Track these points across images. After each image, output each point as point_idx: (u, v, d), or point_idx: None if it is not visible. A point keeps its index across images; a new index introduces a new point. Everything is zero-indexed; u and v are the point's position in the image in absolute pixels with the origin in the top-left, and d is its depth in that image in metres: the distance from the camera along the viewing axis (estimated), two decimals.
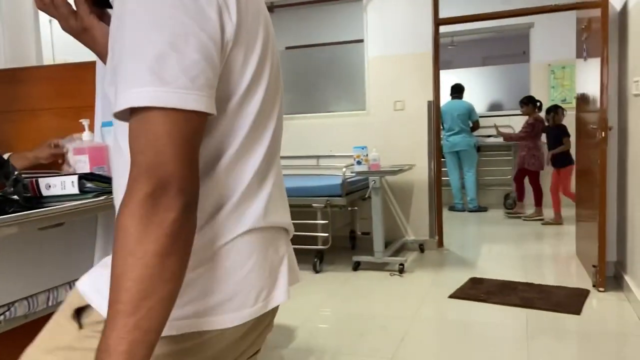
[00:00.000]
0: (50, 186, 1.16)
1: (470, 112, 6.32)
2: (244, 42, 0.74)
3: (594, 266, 3.38)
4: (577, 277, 3.66)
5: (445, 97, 6.45)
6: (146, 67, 0.65)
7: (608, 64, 3.27)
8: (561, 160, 5.47)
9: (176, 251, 0.64)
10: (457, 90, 6.48)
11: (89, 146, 1.45)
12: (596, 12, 3.34)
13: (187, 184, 0.65)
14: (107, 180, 1.28)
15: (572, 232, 4.62)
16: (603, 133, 3.22)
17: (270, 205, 0.82)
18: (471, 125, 6.37)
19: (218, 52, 0.70)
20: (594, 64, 3.41)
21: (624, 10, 3.34)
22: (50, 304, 1.47)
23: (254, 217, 0.79)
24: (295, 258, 0.93)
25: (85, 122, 1.57)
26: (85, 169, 1.41)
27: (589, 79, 3.62)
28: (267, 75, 0.80)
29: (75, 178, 1.17)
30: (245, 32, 0.74)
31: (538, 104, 5.95)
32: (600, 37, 3.27)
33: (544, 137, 5.82)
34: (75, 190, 1.18)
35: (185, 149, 0.66)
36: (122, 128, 0.74)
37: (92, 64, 1.85)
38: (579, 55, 4.06)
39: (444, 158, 6.38)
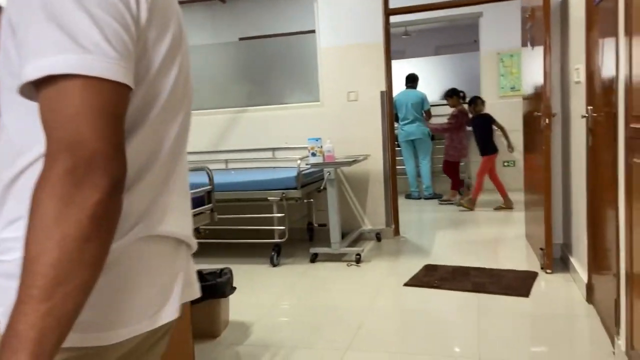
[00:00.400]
0: None
1: (423, 101, 6.41)
2: (157, 24, 0.72)
3: (541, 249, 3.49)
4: (526, 260, 3.77)
5: (400, 86, 6.52)
6: (64, 34, 0.61)
7: (551, 52, 3.36)
8: (486, 148, 5.71)
9: (98, 235, 0.60)
10: (411, 80, 6.56)
11: None
12: (539, 1, 3.42)
13: (114, 162, 0.61)
14: None
15: (522, 217, 4.75)
16: (547, 120, 3.32)
17: (169, 213, 0.78)
18: (424, 114, 6.47)
19: (134, 26, 0.67)
20: (538, 53, 3.49)
21: None
22: None
23: (150, 222, 0.74)
24: (194, 272, 0.88)
25: None
26: None
27: (533, 67, 3.72)
28: (176, 70, 0.77)
29: None
30: (158, 15, 0.72)
31: (461, 94, 6.19)
32: (543, 25, 3.35)
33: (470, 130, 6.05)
34: None
35: (110, 124, 0.61)
36: (10, 102, 0.69)
37: None
38: (524, 43, 4.15)
39: (398, 147, 6.46)
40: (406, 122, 6.44)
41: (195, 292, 0.87)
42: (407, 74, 6.63)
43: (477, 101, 5.82)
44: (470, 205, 5.75)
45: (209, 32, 6.74)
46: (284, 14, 6.50)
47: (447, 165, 6.17)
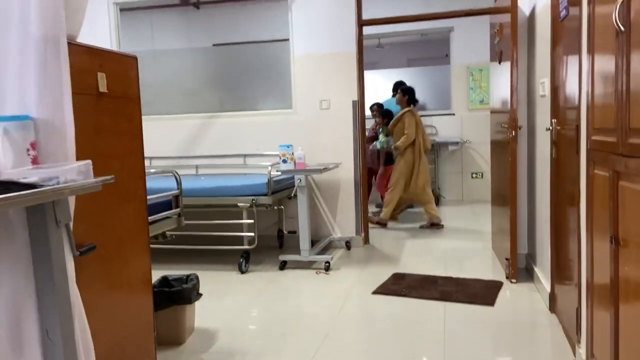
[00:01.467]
0: None
1: None
2: None
3: (506, 259, 3.55)
4: (492, 269, 3.83)
5: (372, 97, 6.58)
6: None
7: (517, 67, 3.45)
8: (391, 159, 5.94)
9: None
10: (395, 89, 6.58)
11: None
12: (507, 17, 3.52)
13: None
14: None
15: (488, 229, 4.83)
16: (513, 132, 3.40)
17: None
18: None
19: None
20: (506, 67, 3.58)
21: (532, 15, 3.53)
22: None
23: None
24: None
25: None
26: None
27: (501, 80, 3.81)
28: None
29: None
30: None
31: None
32: (510, 41, 3.44)
33: None
34: None
35: None
36: None
37: None
38: (492, 58, 4.26)
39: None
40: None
41: None
42: (393, 82, 6.64)
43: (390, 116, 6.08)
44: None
45: (182, 37, 6.69)
46: (259, 21, 6.50)
47: (371, 172, 6.24)
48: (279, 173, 4.12)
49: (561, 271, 2.74)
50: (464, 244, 4.72)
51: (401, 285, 3.50)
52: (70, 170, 1.30)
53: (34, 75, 1.45)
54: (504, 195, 3.68)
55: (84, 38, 1.73)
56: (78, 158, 1.49)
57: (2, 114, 1.44)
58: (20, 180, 1.22)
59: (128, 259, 1.92)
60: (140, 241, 2.00)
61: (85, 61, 1.70)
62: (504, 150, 3.63)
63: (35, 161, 1.42)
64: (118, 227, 1.85)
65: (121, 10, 5.04)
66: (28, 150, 1.40)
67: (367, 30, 4.71)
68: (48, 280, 1.38)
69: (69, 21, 1.58)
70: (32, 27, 1.46)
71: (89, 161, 1.37)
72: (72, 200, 1.49)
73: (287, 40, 4.74)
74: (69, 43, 1.52)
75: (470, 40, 6.81)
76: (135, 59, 1.95)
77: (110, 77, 1.77)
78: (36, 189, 1.19)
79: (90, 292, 1.68)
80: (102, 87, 1.73)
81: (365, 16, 4.61)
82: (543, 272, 3.26)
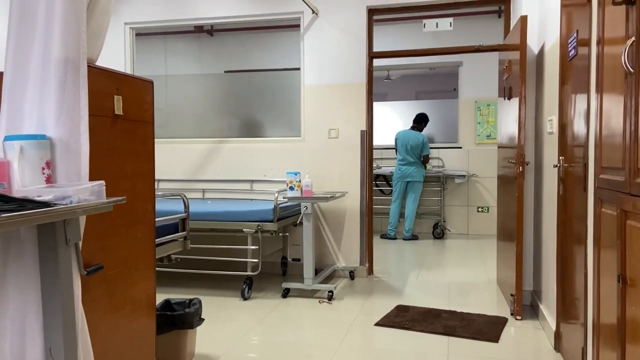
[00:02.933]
0: None
1: (423, 145, 6.51)
2: None
3: (512, 295, 3.52)
4: (497, 305, 3.79)
5: (381, 128, 6.65)
6: None
7: (526, 103, 3.49)
8: None
9: None
10: (417, 121, 6.66)
11: None
12: (516, 55, 3.57)
13: None
14: (5, 198, 1.20)
15: (494, 262, 4.80)
16: (520, 168, 3.41)
17: None
18: (422, 158, 6.55)
19: None
20: (514, 103, 3.62)
21: (541, 53, 3.58)
22: None
23: None
24: None
25: None
26: None
27: (509, 116, 3.84)
28: None
29: None
30: None
31: None
32: (519, 78, 3.49)
33: None
34: None
35: None
36: None
37: None
38: (500, 94, 4.30)
39: (376, 186, 6.53)
40: (404, 162, 6.53)
41: None
42: (415, 114, 6.74)
43: None
44: None
45: (195, 63, 6.83)
46: (271, 50, 6.63)
47: None
48: (286, 200, 4.13)
49: (567, 309, 2.71)
50: (469, 278, 4.68)
51: (404, 318, 3.46)
52: (83, 190, 1.32)
53: (53, 96, 1.49)
54: (510, 230, 3.66)
55: (99, 60, 1.78)
56: (91, 178, 1.52)
57: (21, 133, 1.47)
58: (35, 198, 1.24)
59: (133, 281, 1.92)
60: (146, 263, 2.00)
61: (103, 84, 1.74)
62: (511, 185, 3.63)
63: (49, 180, 1.44)
64: (125, 248, 1.86)
65: (137, 34, 5.16)
66: (43, 168, 1.43)
67: (376, 62, 4.79)
68: (54, 299, 1.38)
69: (89, 45, 1.62)
70: (54, 49, 1.50)
71: (102, 182, 1.39)
72: (82, 220, 1.51)
73: (298, 69, 4.82)
74: (88, 66, 1.57)
75: (478, 76, 6.90)
76: (151, 83, 1.99)
77: (127, 100, 1.81)
78: (50, 207, 1.20)
79: (94, 312, 1.68)
80: (118, 110, 1.77)
81: (376, 48, 4.69)
82: (548, 310, 3.22)
